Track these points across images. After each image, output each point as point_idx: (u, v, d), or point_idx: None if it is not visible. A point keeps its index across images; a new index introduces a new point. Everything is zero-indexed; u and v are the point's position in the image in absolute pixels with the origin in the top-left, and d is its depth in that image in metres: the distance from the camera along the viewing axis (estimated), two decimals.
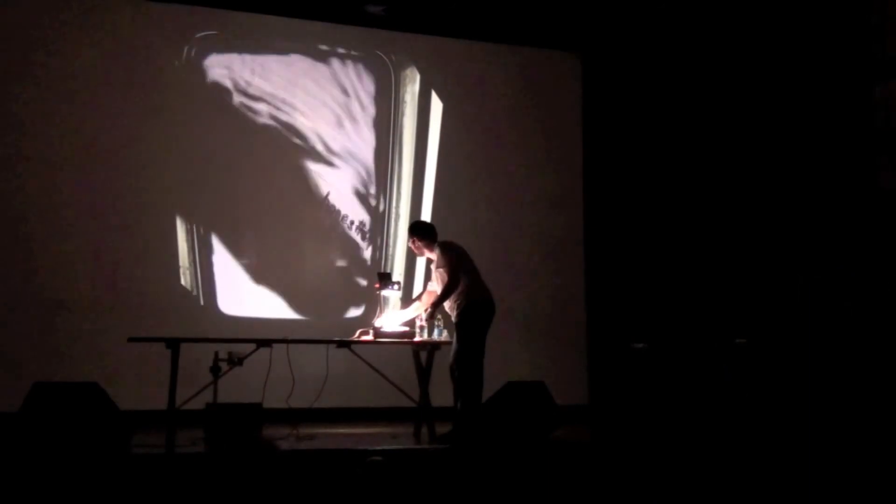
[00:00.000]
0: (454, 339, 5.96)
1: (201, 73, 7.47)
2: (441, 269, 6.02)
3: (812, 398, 5.32)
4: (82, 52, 7.12)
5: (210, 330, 6.97)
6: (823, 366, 5.33)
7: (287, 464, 5.04)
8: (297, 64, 7.75)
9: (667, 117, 7.99)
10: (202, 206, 7.39)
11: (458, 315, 5.97)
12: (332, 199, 7.74)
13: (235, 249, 7.43)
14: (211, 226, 7.39)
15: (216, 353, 5.91)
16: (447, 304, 6.02)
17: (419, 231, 6.22)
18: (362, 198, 7.84)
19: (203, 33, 7.49)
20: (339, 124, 7.83)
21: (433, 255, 6.13)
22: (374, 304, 7.02)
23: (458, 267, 5.98)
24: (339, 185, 7.77)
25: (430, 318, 6.07)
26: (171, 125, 7.33)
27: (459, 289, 5.96)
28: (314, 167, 7.70)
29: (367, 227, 7.84)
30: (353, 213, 7.79)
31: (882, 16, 6.27)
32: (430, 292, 6.22)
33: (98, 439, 5.10)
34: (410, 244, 6.24)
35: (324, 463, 5.07)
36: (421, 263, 7.83)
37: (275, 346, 5.94)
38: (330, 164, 7.75)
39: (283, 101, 7.67)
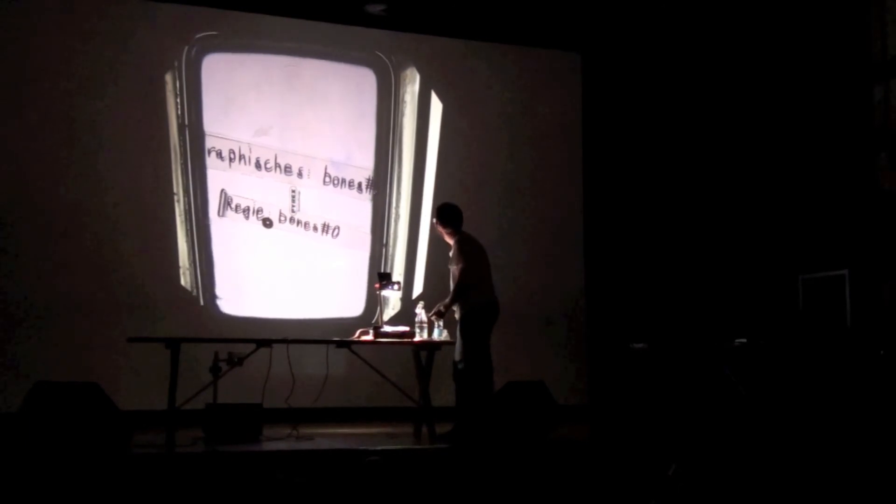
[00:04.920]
0: (458, 341, 5.96)
1: (202, 72, 7.47)
2: (453, 267, 6.03)
3: (812, 398, 5.32)
4: (82, 52, 7.11)
5: (210, 330, 6.99)
6: (823, 366, 5.33)
7: (287, 464, 5.04)
8: (297, 64, 7.74)
9: (667, 117, 7.99)
10: (202, 206, 7.39)
11: (463, 317, 5.96)
12: (332, 199, 7.74)
13: (235, 249, 7.43)
14: (211, 226, 7.39)
15: (216, 353, 5.91)
16: None
17: (444, 215, 6.19)
18: (362, 198, 7.84)
19: (203, 33, 7.48)
20: (340, 125, 7.82)
21: (451, 242, 6.13)
22: (374, 304, 7.02)
23: (471, 268, 5.96)
24: (339, 185, 7.77)
25: (439, 316, 6.04)
26: (171, 125, 7.33)
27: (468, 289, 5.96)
28: (314, 167, 7.69)
29: (367, 226, 7.84)
30: (353, 212, 7.78)
31: (882, 16, 6.27)
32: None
33: (98, 439, 5.10)
34: (435, 223, 6.23)
35: (323, 463, 5.06)
36: (421, 264, 7.83)
37: (275, 346, 5.94)
38: (330, 164, 7.74)
39: (283, 102, 7.67)
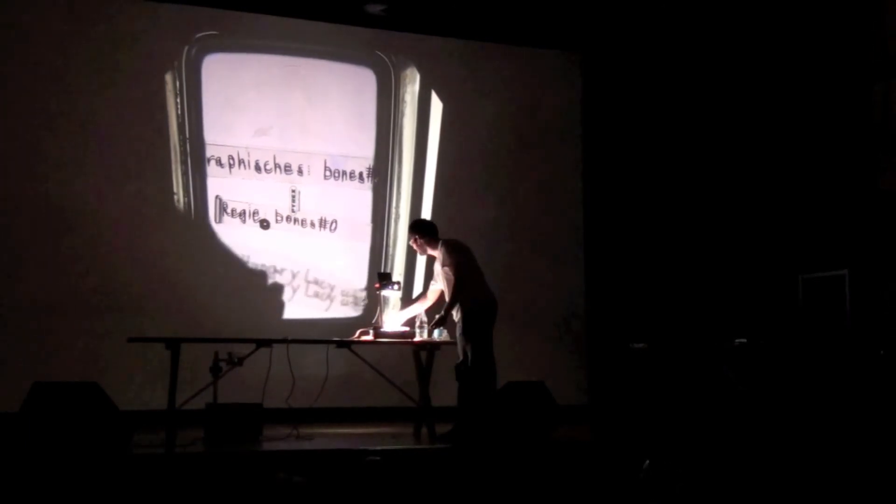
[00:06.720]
0: (460, 341, 5.95)
1: (202, 72, 7.47)
2: (447, 268, 6.01)
3: (812, 398, 5.32)
4: (82, 52, 7.11)
5: (210, 330, 6.98)
6: (823, 366, 5.33)
7: (287, 464, 5.04)
8: (297, 64, 7.74)
9: (667, 117, 7.99)
10: (203, 206, 7.39)
11: (463, 318, 5.96)
12: (333, 193, 7.73)
13: (235, 249, 7.43)
14: (211, 225, 7.39)
15: (216, 353, 5.91)
16: None
17: (421, 229, 6.22)
18: (362, 198, 7.84)
19: (203, 33, 7.48)
20: (339, 124, 7.82)
21: (436, 253, 6.13)
22: (374, 304, 7.02)
23: (464, 267, 5.97)
24: (339, 185, 7.77)
25: (441, 323, 6.03)
26: (171, 125, 7.33)
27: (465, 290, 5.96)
28: (313, 164, 7.69)
29: (367, 226, 7.84)
30: (353, 213, 7.78)
31: (882, 16, 6.27)
32: (434, 291, 6.23)
33: (98, 439, 5.10)
34: (411, 242, 6.24)
35: (323, 463, 5.07)
36: (421, 263, 7.83)
37: (275, 346, 5.94)
38: (330, 164, 7.74)
39: (283, 102, 7.67)
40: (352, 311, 7.61)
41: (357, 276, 7.73)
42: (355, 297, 6.99)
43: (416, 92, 8.07)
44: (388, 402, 6.77)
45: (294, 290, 7.55)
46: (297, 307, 7.52)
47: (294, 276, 7.56)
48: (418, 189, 7.98)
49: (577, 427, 6.72)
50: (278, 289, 7.50)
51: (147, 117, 7.27)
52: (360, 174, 7.82)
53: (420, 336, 6.12)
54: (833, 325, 5.36)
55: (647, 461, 5.06)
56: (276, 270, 7.52)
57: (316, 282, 7.62)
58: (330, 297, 7.64)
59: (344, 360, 6.40)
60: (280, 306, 7.48)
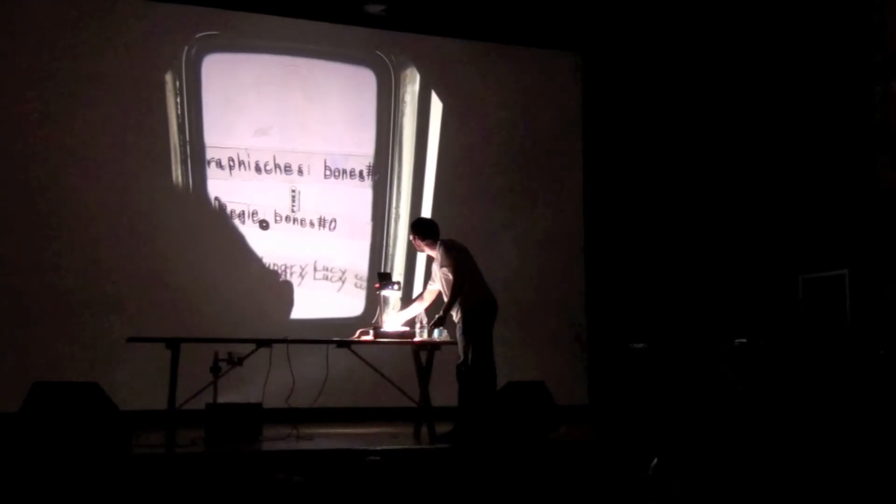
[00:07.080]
0: (461, 342, 5.95)
1: (202, 72, 7.47)
2: (445, 269, 6.01)
3: (812, 398, 5.32)
4: (82, 52, 7.12)
5: (210, 330, 6.98)
6: (823, 366, 5.33)
7: (287, 464, 5.04)
8: (297, 64, 7.75)
9: (667, 117, 7.99)
10: (203, 205, 7.39)
11: (463, 318, 5.95)
12: (333, 192, 7.73)
13: (236, 249, 7.43)
14: (211, 225, 7.40)
15: (216, 353, 5.91)
16: None
17: (421, 228, 6.21)
18: (362, 196, 7.84)
19: (203, 33, 7.49)
20: (339, 125, 7.82)
21: (434, 253, 6.13)
22: (374, 304, 7.02)
23: (463, 267, 5.97)
24: (339, 184, 7.77)
25: (440, 323, 6.04)
26: (171, 125, 7.33)
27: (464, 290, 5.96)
28: (313, 163, 7.69)
29: (367, 225, 7.84)
30: (353, 211, 7.78)
31: (882, 16, 6.27)
32: (431, 291, 6.23)
33: (98, 439, 5.10)
34: (411, 239, 6.24)
35: (323, 463, 5.07)
36: (421, 264, 7.83)
37: (275, 346, 5.94)
38: (330, 163, 7.75)
39: (283, 102, 7.67)
40: (353, 311, 7.61)
41: (358, 273, 7.73)
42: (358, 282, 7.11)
43: (416, 92, 8.07)
44: (388, 402, 6.77)
45: (295, 289, 7.55)
46: (298, 306, 7.52)
47: (295, 275, 7.56)
48: (418, 188, 7.99)
49: (577, 427, 6.72)
50: (278, 289, 7.50)
51: (147, 117, 7.27)
52: (360, 172, 7.82)
53: (420, 336, 6.12)
54: (833, 325, 5.36)
55: (655, 459, 5.05)
56: (276, 270, 7.52)
57: (317, 279, 7.62)
58: (331, 293, 7.64)
59: (344, 360, 6.40)
60: (280, 306, 7.48)
